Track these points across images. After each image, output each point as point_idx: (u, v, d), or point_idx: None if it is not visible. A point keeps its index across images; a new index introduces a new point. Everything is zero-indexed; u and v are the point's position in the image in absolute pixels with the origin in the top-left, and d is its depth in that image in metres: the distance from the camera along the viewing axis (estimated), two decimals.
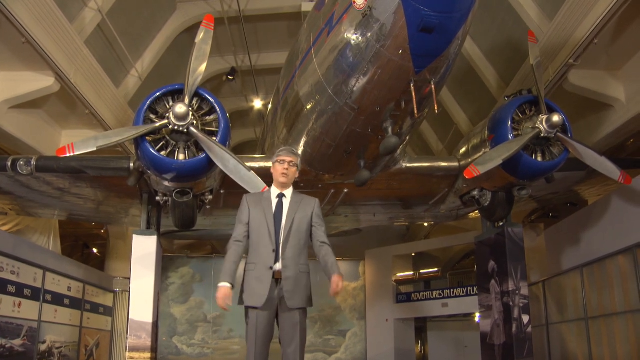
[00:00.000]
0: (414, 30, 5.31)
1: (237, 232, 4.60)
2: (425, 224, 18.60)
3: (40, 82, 9.46)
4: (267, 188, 6.67)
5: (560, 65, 9.06)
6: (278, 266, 4.38)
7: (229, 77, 15.07)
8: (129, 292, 8.28)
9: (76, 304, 12.55)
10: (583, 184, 10.05)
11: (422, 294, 18.36)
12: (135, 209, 10.28)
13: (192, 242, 20.03)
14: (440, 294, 17.69)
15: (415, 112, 6.01)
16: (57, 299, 11.70)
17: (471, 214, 11.52)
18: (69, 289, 12.23)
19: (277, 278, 4.36)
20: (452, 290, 17.62)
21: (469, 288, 17.20)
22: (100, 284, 13.92)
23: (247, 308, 4.42)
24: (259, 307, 4.31)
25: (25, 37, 8.34)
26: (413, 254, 20.34)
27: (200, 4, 12.82)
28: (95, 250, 24.04)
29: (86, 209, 10.25)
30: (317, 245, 4.55)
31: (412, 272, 19.56)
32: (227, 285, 4.36)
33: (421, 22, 5.21)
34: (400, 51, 5.59)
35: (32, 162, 8.28)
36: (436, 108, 6.07)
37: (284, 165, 4.62)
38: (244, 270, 4.51)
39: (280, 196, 4.63)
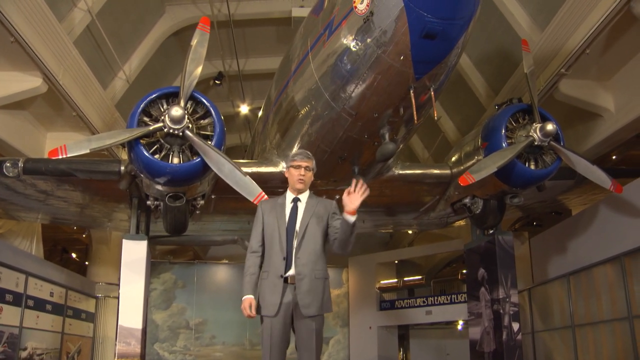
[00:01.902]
0: (416, 36, 5.31)
1: (252, 242, 4.50)
2: (410, 232, 18.62)
3: (28, 82, 9.25)
4: (262, 194, 6.75)
5: (551, 75, 9.16)
6: (291, 273, 4.28)
7: (216, 81, 14.95)
8: (118, 297, 8.09)
9: (58, 309, 12.29)
10: (570, 193, 10.14)
11: (405, 301, 18.36)
12: (120, 213, 10.10)
13: (174, 247, 19.82)
14: (424, 302, 17.69)
15: (415, 118, 6.00)
16: (39, 305, 11.44)
17: (456, 222, 11.57)
18: (51, 294, 11.97)
19: (291, 284, 4.27)
20: (436, 297, 17.64)
21: (452, 296, 17.25)
22: (82, 289, 13.67)
23: (261, 317, 4.34)
24: (272, 315, 4.24)
25: (14, 36, 8.14)
26: (396, 262, 20.36)
27: (189, 8, 12.73)
28: (74, 255, 23.68)
29: (71, 212, 10.03)
30: (333, 234, 4.42)
31: (395, 280, 19.57)
32: (251, 297, 4.31)
33: (424, 28, 5.21)
34: (402, 57, 5.58)
35: (20, 164, 8.09)
36: (435, 115, 6.07)
37: (300, 171, 4.48)
38: (260, 279, 4.43)
39: (295, 200, 4.51)
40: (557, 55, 8.93)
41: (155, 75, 13.20)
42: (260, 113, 10.69)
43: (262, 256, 4.47)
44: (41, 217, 10.75)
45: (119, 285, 8.14)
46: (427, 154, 16.36)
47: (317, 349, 4.23)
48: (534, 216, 16.10)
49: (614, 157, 12.09)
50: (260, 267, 4.46)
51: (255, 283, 4.38)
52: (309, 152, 4.61)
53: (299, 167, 4.50)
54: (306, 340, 4.24)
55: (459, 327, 19.52)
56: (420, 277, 19.56)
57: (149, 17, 12.03)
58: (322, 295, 4.31)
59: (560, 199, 10.67)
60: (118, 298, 8.06)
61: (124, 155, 11.01)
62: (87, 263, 23.28)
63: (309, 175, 4.53)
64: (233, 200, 9.21)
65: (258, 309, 4.34)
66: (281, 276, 4.27)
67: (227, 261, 19.12)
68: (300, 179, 4.48)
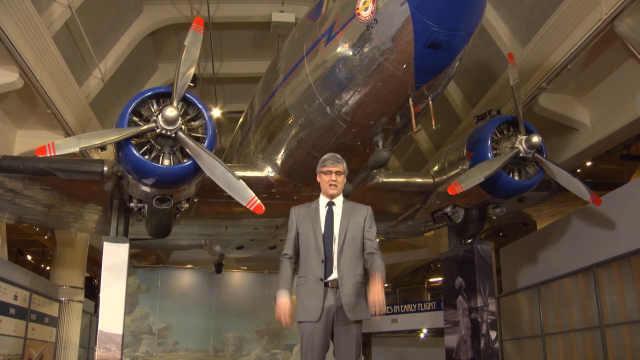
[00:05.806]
0: (420, 45, 5.35)
1: (286, 247, 4.42)
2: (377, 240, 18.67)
3: (3, 77, 8.87)
4: (255, 198, 6.67)
5: (532, 89, 9.36)
6: (332, 277, 4.20)
7: (190, 84, 14.62)
8: (98, 302, 7.82)
9: (22, 314, 11.80)
10: (542, 204, 10.39)
11: None
12: (90, 214, 9.80)
13: (137, 251, 19.38)
14: (390, 310, 17.83)
15: (414, 126, 6.05)
16: (3, 309, 10.94)
17: (432, 230, 11.70)
18: (15, 297, 11.49)
19: (333, 288, 4.18)
20: (402, 306, 17.82)
21: (418, 304, 17.46)
22: (46, 293, 13.19)
23: (300, 322, 4.24)
24: (314, 321, 4.14)
25: None
26: None
27: (167, 8, 12.51)
28: (29, 257, 22.93)
29: (39, 212, 9.66)
30: (366, 257, 4.31)
31: None
32: (287, 294, 4.19)
33: (429, 38, 5.26)
34: (404, 65, 5.61)
35: None
36: (434, 124, 6.12)
37: (331, 177, 4.37)
38: (296, 285, 4.34)
39: (330, 204, 4.41)
40: (538, 70, 9.14)
41: (129, 75, 12.93)
42: (241, 119, 10.55)
43: (296, 262, 4.40)
44: (7, 217, 10.37)
45: (98, 288, 7.88)
46: (397, 162, 16.48)
47: (357, 355, 4.18)
48: (500, 227, 16.41)
49: (582, 170, 12.44)
50: (295, 272, 4.39)
51: (291, 280, 4.30)
52: (338, 156, 4.48)
53: (329, 172, 4.39)
54: (347, 347, 4.18)
55: (422, 335, 19.74)
56: (386, 285, 19.71)
57: (127, 15, 11.76)
58: (364, 300, 4.25)
59: (529, 211, 10.93)
60: (83, 302, 7.76)
61: (96, 155, 10.75)
62: (43, 266, 22.66)
63: (341, 180, 4.43)
64: (215, 205, 9.11)
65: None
66: (321, 279, 4.19)
67: (191, 266, 18.82)
68: (332, 184, 4.38)
